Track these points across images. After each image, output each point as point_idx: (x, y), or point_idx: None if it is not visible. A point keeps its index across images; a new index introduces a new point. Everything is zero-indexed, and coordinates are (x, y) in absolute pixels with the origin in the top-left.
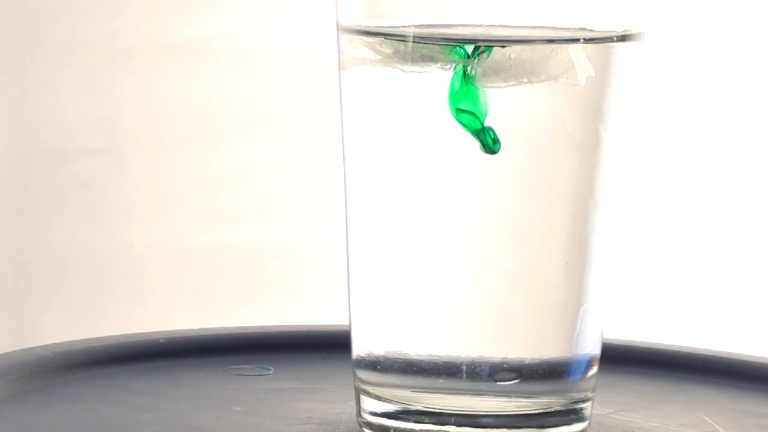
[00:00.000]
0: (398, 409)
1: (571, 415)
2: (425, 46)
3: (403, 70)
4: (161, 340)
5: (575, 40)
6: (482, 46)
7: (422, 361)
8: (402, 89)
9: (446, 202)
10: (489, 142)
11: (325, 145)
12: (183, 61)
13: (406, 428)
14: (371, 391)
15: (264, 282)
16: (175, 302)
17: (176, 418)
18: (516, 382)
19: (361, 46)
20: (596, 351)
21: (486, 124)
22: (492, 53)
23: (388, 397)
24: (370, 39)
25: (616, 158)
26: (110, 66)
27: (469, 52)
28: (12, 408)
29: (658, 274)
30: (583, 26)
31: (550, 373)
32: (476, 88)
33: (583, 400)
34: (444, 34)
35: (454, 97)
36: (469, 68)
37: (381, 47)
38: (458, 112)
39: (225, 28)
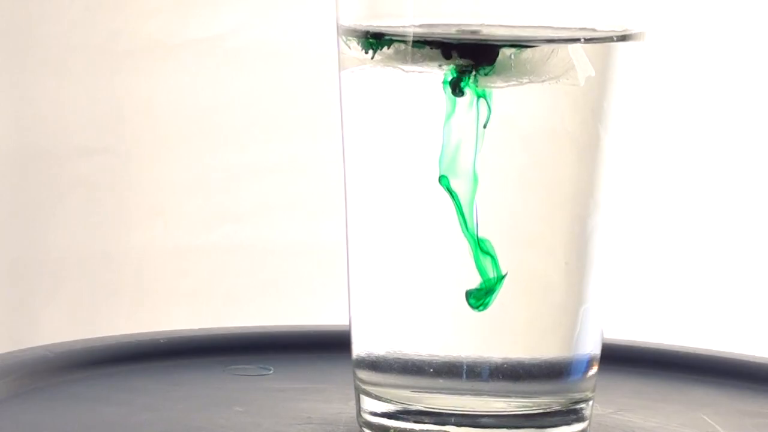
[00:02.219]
0: (398, 409)
1: (571, 415)
2: (424, 47)
3: (403, 70)
4: (161, 340)
5: (575, 40)
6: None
7: (422, 361)
8: (402, 89)
9: (446, 202)
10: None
11: (325, 145)
12: (183, 61)
13: (406, 428)
14: (371, 391)
15: (264, 282)
16: (175, 302)
17: (176, 418)
18: (516, 383)
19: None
20: (596, 351)
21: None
22: (493, 63)
23: (388, 397)
24: (370, 39)
25: (616, 158)
26: (110, 66)
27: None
28: (12, 408)
29: (658, 274)
30: (583, 26)
31: (550, 373)
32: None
33: (583, 400)
34: (444, 34)
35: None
36: (470, 78)
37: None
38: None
39: (225, 28)
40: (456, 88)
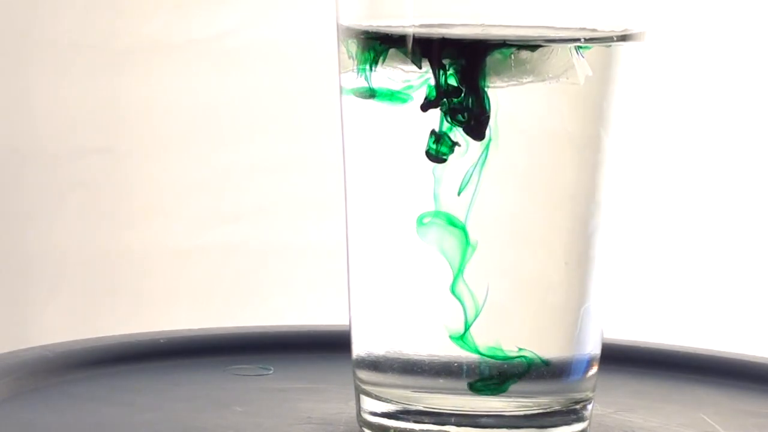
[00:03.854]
0: (398, 409)
1: (571, 415)
2: (421, 54)
3: (403, 70)
4: (161, 340)
5: (575, 40)
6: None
7: (422, 361)
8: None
9: (446, 202)
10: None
11: (325, 145)
12: (183, 61)
13: (406, 428)
14: (371, 391)
15: (264, 282)
16: (175, 302)
17: (176, 418)
18: (516, 383)
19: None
20: (596, 351)
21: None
22: (492, 54)
23: (388, 397)
24: (370, 39)
25: (616, 158)
26: (110, 66)
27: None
28: (12, 408)
29: (658, 274)
30: (583, 26)
31: (550, 373)
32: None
33: (583, 400)
34: (444, 34)
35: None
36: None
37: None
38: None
39: (225, 28)
40: (440, 140)
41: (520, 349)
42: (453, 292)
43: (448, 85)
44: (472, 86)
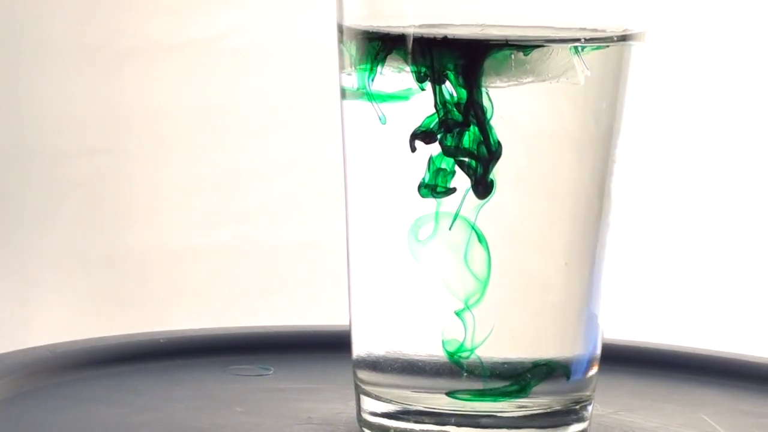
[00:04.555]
0: (398, 409)
1: (571, 415)
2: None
3: (403, 71)
4: (161, 340)
5: (575, 40)
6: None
7: (422, 361)
8: (402, 89)
9: (446, 202)
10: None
11: (325, 145)
12: (184, 61)
13: (406, 428)
14: (371, 391)
15: (264, 282)
16: (175, 302)
17: (176, 418)
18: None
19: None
20: (596, 351)
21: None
22: (492, 54)
23: (388, 397)
24: (370, 39)
25: (616, 158)
26: (111, 66)
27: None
28: (12, 408)
29: (658, 274)
30: (583, 26)
31: (550, 373)
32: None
33: (583, 400)
34: (444, 34)
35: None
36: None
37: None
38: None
39: (225, 28)
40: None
41: (536, 360)
42: (459, 316)
43: (449, 115)
44: (474, 114)
